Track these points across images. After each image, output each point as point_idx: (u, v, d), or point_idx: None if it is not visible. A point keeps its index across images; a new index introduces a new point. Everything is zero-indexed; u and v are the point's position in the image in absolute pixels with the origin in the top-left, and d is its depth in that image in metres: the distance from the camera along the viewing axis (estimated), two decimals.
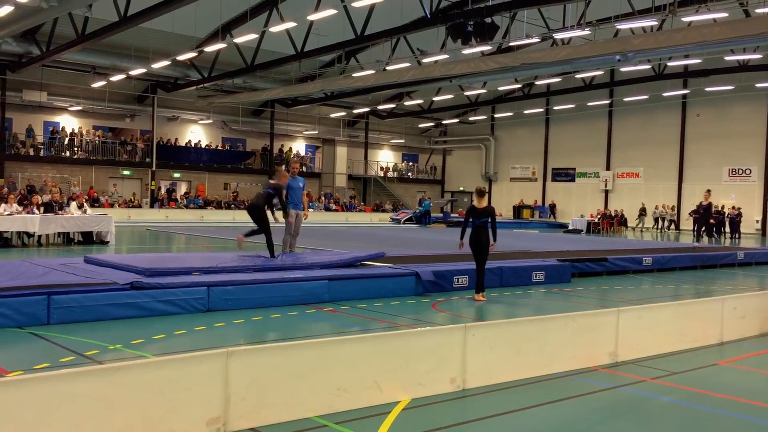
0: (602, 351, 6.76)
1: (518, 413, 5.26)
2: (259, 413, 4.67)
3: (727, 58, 30.24)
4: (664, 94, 35.89)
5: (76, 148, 35.53)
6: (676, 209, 38.00)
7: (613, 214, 36.54)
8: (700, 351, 7.54)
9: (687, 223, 35.90)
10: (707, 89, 34.71)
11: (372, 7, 23.84)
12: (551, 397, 5.62)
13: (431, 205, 40.06)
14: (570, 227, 35.18)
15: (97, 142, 36.11)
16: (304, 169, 44.50)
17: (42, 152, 34.38)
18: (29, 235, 17.15)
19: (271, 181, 11.73)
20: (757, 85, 33.56)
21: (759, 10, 20.62)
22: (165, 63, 28.50)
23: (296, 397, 4.85)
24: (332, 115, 43.62)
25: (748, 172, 36.52)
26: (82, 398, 4.00)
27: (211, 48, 27.65)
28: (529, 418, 5.17)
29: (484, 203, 10.45)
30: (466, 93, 40.00)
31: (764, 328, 8.60)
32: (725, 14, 21.09)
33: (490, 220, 10.35)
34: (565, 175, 44.74)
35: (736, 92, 34.36)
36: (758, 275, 16.20)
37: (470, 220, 10.37)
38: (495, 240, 10.45)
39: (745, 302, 8.58)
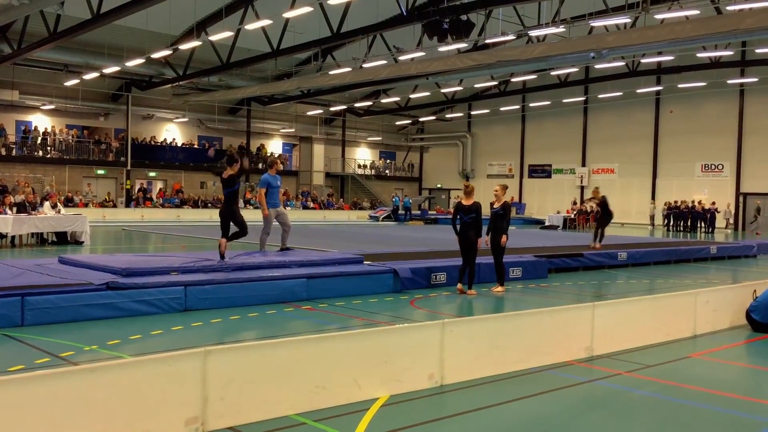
0: (578, 345, 6.84)
1: (496, 408, 5.30)
2: (237, 412, 4.67)
3: (699, 54, 30.64)
4: (638, 91, 36.31)
5: (49, 148, 35.07)
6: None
7: (588, 210, 36.83)
8: (673, 344, 7.65)
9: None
10: (680, 86, 35.14)
11: (348, 5, 23.81)
12: (528, 391, 5.68)
13: (411, 202, 40.12)
14: (546, 223, 35.44)
15: (70, 141, 35.67)
16: (282, 167, 44.33)
17: (14, 152, 33.88)
18: (2, 235, 16.90)
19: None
20: (729, 81, 34.08)
21: (730, 8, 20.93)
22: (139, 61, 28.23)
23: (275, 396, 4.85)
24: (309, 113, 43.52)
25: (720, 167, 37.07)
26: (58, 400, 3.96)
27: (185, 46, 27.44)
28: (506, 413, 5.22)
29: (472, 200, 10.69)
30: (443, 90, 40.12)
31: (736, 320, 8.75)
32: (697, 11, 21.40)
33: (476, 216, 10.60)
34: (542, 171, 45.07)
35: (708, 89, 34.84)
36: (730, 269, 16.47)
37: (458, 217, 10.62)
38: (480, 235, 10.72)
39: (718, 296, 8.73)
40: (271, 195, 12.08)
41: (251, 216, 11.55)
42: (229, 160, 10.58)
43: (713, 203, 33.94)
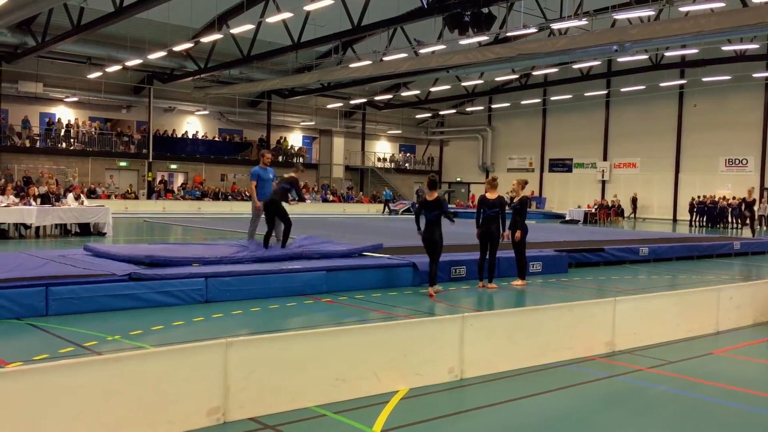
0: (599, 341, 6.80)
1: (515, 403, 5.29)
2: (258, 403, 4.70)
3: (724, 48, 30.23)
4: (661, 85, 35.88)
5: (72, 140, 35.45)
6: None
7: (609, 205, 36.58)
8: (696, 340, 7.58)
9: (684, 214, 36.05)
10: (704, 79, 34.71)
11: None
12: (548, 386, 5.66)
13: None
14: (567, 218, 35.24)
15: (93, 133, 36.03)
16: (301, 160, 44.55)
17: (38, 144, 34.31)
18: (26, 226, 17.13)
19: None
20: (754, 75, 33.58)
21: (756, 0, 20.61)
22: (161, 54, 28.42)
23: (295, 387, 4.88)
24: (329, 106, 43.56)
25: (744, 162, 36.59)
26: (81, 389, 4.01)
27: (207, 38, 27.56)
28: (526, 408, 5.20)
29: (496, 194, 10.66)
30: (463, 84, 39.95)
31: (759, 317, 8.64)
32: (722, 4, 21.06)
33: (499, 210, 10.60)
34: (562, 165, 44.77)
35: (733, 82, 34.36)
36: (754, 265, 16.26)
37: (481, 210, 10.59)
38: (505, 230, 10.74)
39: (741, 292, 8.63)
40: (261, 187, 12.12)
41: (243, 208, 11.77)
42: (431, 185, 10.30)
43: (734, 197, 33.45)
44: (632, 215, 38.40)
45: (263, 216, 11.45)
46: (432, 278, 10.04)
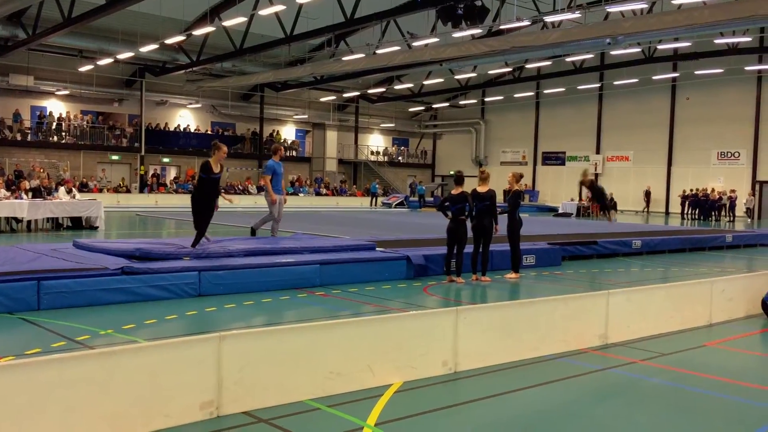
0: (592, 333, 6.82)
1: (509, 395, 5.30)
2: (252, 397, 4.69)
3: (716, 41, 30.26)
4: (654, 78, 35.94)
5: (63, 133, 35.28)
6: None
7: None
8: (689, 332, 7.61)
9: (676, 206, 36.21)
10: (697, 72, 34.76)
11: None
12: (542, 379, 5.67)
13: (425, 189, 40.17)
14: (560, 211, 35.28)
15: (85, 126, 35.84)
16: (294, 153, 44.46)
17: (29, 137, 34.13)
18: (18, 220, 17.04)
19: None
20: (747, 68, 33.65)
21: None
22: (153, 47, 28.25)
23: (289, 381, 4.87)
24: (322, 99, 43.46)
25: (737, 155, 36.70)
26: (74, 383, 3.99)
27: (199, 31, 27.41)
28: (519, 401, 5.21)
29: (487, 187, 10.69)
30: (457, 77, 39.90)
31: (751, 309, 8.69)
32: None
33: (490, 203, 10.65)
34: (555, 158, 44.83)
35: (725, 75, 34.43)
36: (746, 257, 16.33)
37: (474, 204, 10.64)
38: (497, 223, 10.75)
39: (733, 284, 8.66)
40: (276, 182, 12.13)
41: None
42: (457, 181, 10.76)
43: (733, 191, 33.53)
44: (645, 210, 38.43)
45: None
46: (458, 269, 10.52)
